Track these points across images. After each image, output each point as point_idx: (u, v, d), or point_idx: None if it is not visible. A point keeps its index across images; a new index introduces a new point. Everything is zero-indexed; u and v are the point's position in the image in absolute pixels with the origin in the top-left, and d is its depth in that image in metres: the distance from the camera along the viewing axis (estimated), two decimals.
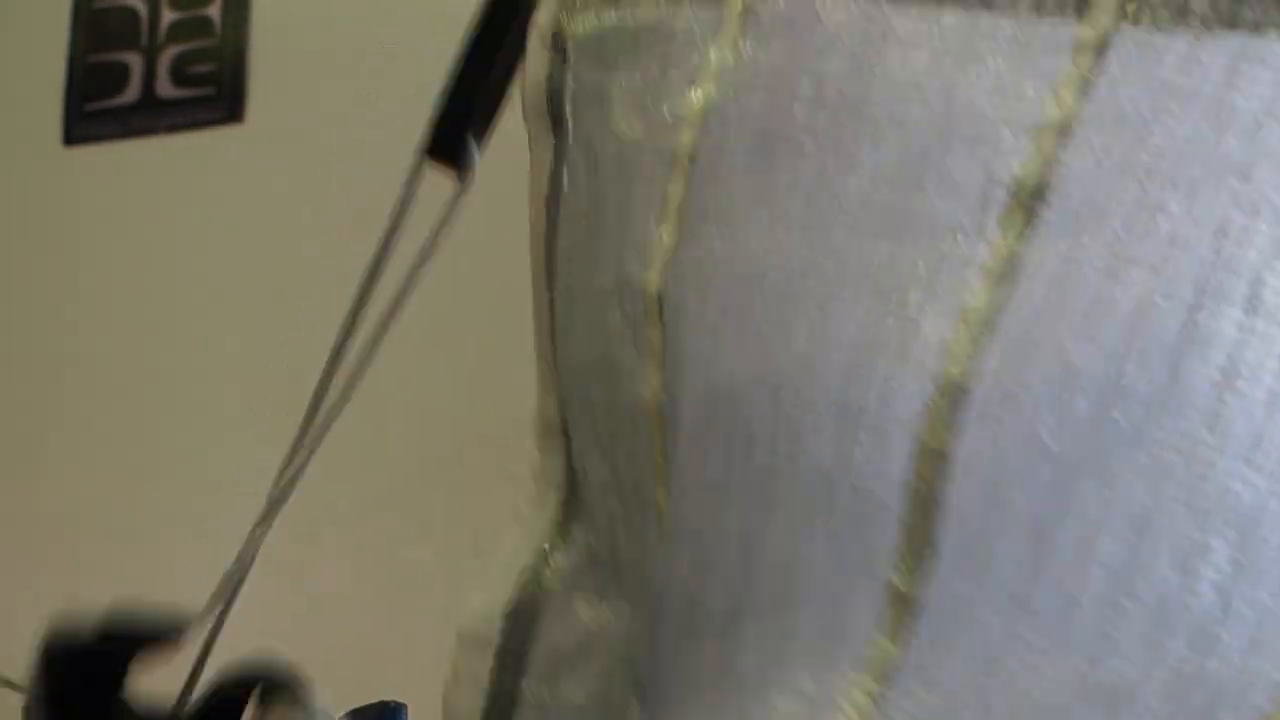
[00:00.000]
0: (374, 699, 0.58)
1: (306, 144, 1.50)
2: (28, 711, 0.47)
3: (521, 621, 0.47)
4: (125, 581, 1.51)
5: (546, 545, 0.47)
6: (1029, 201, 0.34)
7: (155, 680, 0.50)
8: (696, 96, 0.38)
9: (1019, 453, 0.33)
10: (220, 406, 1.49)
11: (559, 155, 0.44)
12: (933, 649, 0.35)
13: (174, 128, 1.55)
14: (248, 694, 0.49)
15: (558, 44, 0.44)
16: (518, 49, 0.47)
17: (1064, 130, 0.33)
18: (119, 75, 1.58)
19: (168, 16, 1.57)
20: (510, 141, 0.50)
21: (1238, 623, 0.33)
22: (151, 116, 1.56)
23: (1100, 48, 0.33)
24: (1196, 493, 0.33)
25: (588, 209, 0.42)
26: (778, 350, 0.35)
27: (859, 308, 0.35)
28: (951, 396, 0.34)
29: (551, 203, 0.45)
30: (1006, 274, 0.34)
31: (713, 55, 0.38)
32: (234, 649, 0.57)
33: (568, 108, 0.44)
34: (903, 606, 0.35)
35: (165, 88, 1.56)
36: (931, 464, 0.34)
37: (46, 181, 1.59)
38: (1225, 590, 0.33)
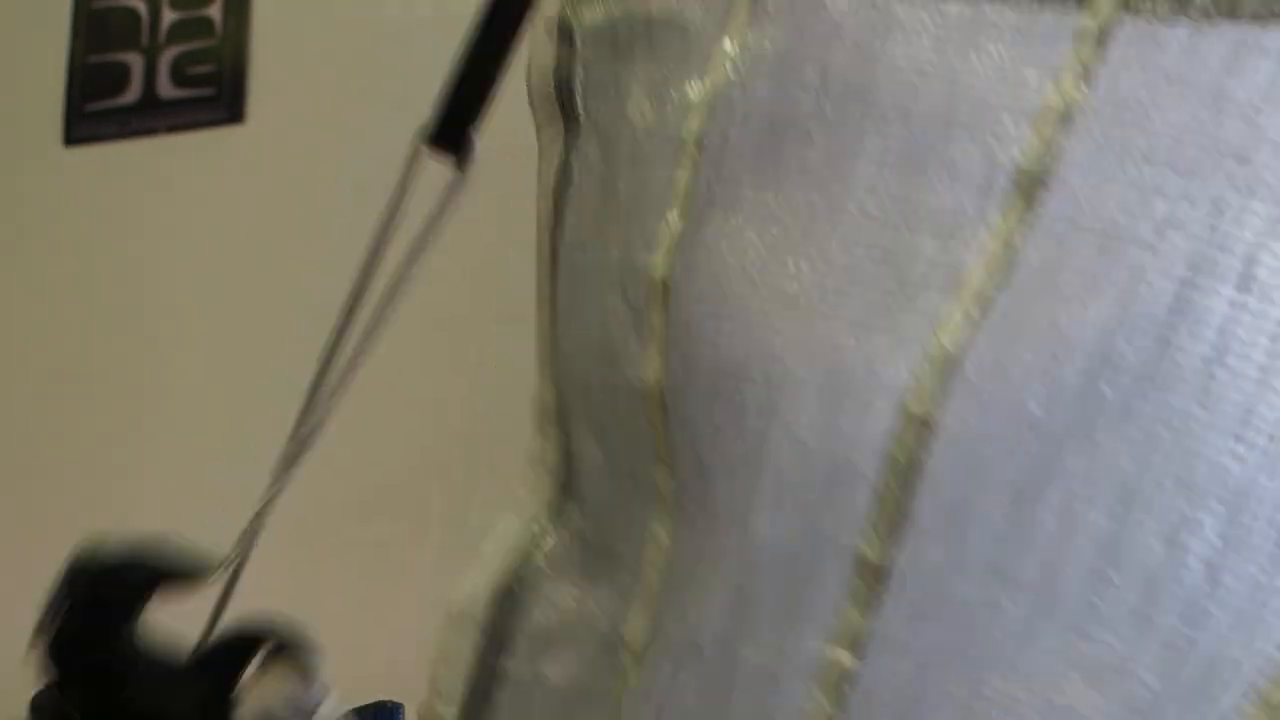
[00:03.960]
0: (372, 699, 0.58)
1: (307, 144, 1.50)
2: (42, 623, 0.47)
3: (508, 601, 0.47)
4: None
5: (537, 528, 0.48)
6: (1029, 187, 0.34)
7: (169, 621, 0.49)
8: (706, 84, 0.39)
9: (1005, 423, 0.34)
10: (220, 406, 1.48)
11: (569, 145, 0.45)
12: (905, 619, 0.35)
13: (175, 128, 1.55)
14: (256, 647, 0.49)
15: (564, 33, 0.44)
16: (518, 39, 0.47)
17: (1065, 117, 0.34)
18: (119, 75, 1.58)
19: (168, 17, 1.57)
20: (515, 134, 0.50)
21: (1227, 597, 0.33)
22: (152, 117, 1.56)
23: (1101, 37, 0.34)
24: (1185, 467, 0.33)
25: (597, 197, 0.43)
26: (775, 329, 0.36)
27: (859, 289, 0.35)
28: (941, 366, 0.34)
29: (560, 191, 0.45)
30: (1005, 257, 0.34)
31: (724, 44, 0.38)
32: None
33: (579, 97, 0.44)
34: (872, 576, 0.35)
35: (166, 88, 1.56)
36: (914, 432, 0.34)
37: (47, 182, 1.59)
38: (1214, 565, 0.33)
